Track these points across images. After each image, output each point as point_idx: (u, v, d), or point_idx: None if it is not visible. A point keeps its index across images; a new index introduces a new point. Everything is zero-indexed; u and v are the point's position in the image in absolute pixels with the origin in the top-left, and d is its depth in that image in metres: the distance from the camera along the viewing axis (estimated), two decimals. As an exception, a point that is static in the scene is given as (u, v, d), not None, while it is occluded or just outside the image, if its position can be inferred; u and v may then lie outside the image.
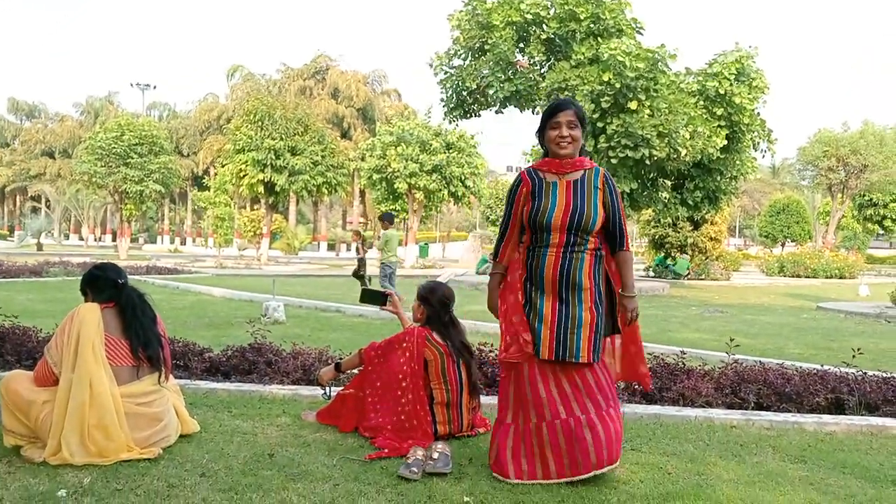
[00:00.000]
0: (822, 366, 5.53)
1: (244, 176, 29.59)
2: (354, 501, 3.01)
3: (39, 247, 40.90)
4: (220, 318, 9.90)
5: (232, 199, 36.34)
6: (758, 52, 17.87)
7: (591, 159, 3.55)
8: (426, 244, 50.86)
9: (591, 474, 3.24)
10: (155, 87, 56.33)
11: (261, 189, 29.84)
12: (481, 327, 9.46)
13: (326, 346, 5.70)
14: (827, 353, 7.64)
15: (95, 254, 32.99)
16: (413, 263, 31.02)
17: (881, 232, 45.45)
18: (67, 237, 65.98)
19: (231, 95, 57.99)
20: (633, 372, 3.58)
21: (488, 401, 4.56)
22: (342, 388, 4.34)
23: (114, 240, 41.49)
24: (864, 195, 37.75)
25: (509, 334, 3.40)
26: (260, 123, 29.47)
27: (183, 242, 61.51)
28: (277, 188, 29.75)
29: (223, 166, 32.71)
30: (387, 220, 11.97)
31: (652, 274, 25.53)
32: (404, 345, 4.02)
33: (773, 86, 18.09)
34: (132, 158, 30.80)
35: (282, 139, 29.23)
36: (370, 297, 4.84)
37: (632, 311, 3.41)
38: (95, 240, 62.42)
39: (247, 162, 29.22)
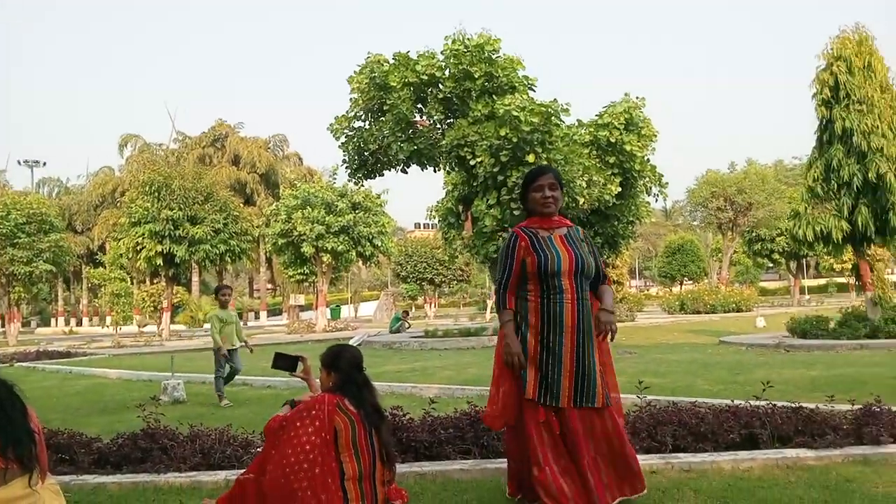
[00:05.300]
0: (732, 401, 5.60)
1: (141, 249, 28.39)
2: None
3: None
4: (116, 402, 9.25)
5: (129, 274, 34.80)
6: (645, 102, 18.82)
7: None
8: (337, 306, 50.10)
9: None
10: (45, 164, 53.77)
11: (159, 262, 28.65)
12: (396, 389, 9.21)
13: (228, 425, 5.32)
14: (734, 386, 7.80)
15: (-21, 342, 30.63)
16: (325, 327, 30.38)
17: (770, 265, 48.08)
18: (-51, 326, 61.25)
19: (126, 167, 56.06)
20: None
21: (404, 469, 4.34)
22: (240, 471, 4.00)
23: (2, 325, 38.72)
24: (751, 231, 39.95)
25: (500, 403, 3.63)
26: (157, 194, 28.47)
27: (79, 323, 58.30)
28: (177, 259, 28.65)
29: (117, 241, 31.32)
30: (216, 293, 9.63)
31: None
32: (313, 412, 3.72)
33: (661, 131, 19.04)
34: (20, 238, 29.08)
35: (180, 209, 28.28)
36: (282, 361, 4.51)
37: (606, 324, 3.64)
38: (-18, 327, 58.25)
39: (143, 234, 28.09)
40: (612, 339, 3.70)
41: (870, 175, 13.51)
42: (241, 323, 9.91)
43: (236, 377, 9.44)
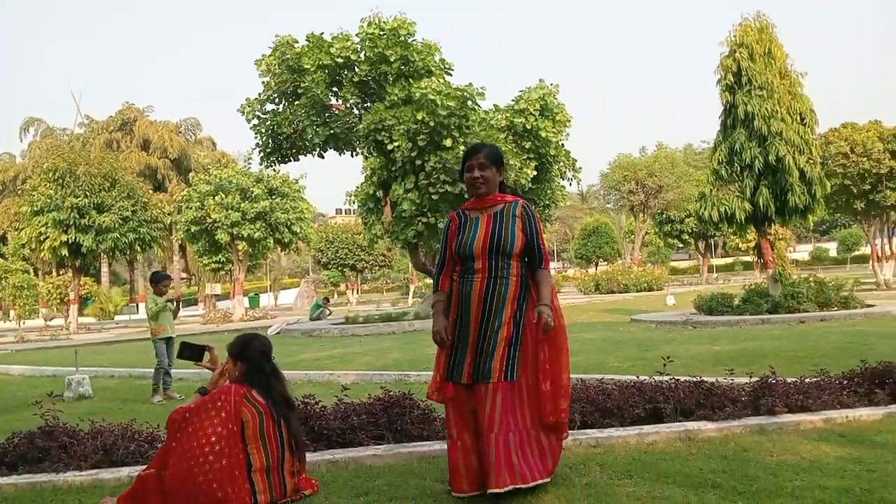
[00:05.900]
0: (638, 377, 5.78)
1: (45, 239, 26.96)
2: None
3: None
4: (16, 399, 8.81)
5: (33, 266, 33.14)
6: (559, 88, 19.10)
7: (504, 194, 3.85)
8: (256, 295, 49.16)
9: (507, 489, 3.33)
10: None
11: (65, 252, 27.26)
12: (313, 377, 9.12)
13: (132, 420, 5.12)
14: (642, 363, 8.07)
15: None
16: (242, 316, 29.73)
17: (680, 245, 49.95)
18: None
19: (28, 153, 53.05)
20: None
21: (315, 457, 4.29)
22: (143, 467, 3.86)
23: None
24: (662, 213, 41.35)
25: (438, 378, 3.64)
26: (61, 181, 27.03)
27: (-21, 318, 55.18)
28: (84, 249, 27.34)
29: (19, 231, 29.67)
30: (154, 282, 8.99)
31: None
32: (219, 403, 3.63)
33: (575, 116, 19.42)
34: None
35: (86, 196, 26.96)
36: (188, 351, 4.37)
37: (543, 316, 3.48)
38: None
39: (47, 224, 26.67)
40: (545, 332, 3.55)
41: (770, 158, 14.15)
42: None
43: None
